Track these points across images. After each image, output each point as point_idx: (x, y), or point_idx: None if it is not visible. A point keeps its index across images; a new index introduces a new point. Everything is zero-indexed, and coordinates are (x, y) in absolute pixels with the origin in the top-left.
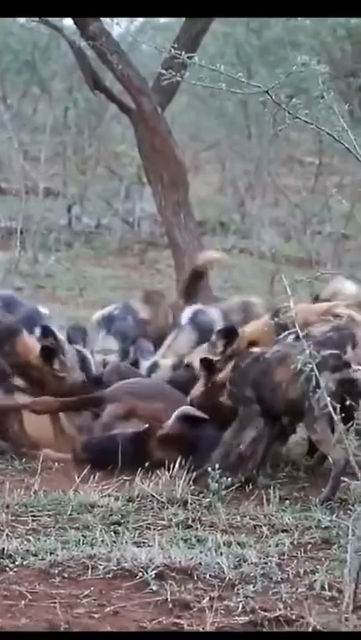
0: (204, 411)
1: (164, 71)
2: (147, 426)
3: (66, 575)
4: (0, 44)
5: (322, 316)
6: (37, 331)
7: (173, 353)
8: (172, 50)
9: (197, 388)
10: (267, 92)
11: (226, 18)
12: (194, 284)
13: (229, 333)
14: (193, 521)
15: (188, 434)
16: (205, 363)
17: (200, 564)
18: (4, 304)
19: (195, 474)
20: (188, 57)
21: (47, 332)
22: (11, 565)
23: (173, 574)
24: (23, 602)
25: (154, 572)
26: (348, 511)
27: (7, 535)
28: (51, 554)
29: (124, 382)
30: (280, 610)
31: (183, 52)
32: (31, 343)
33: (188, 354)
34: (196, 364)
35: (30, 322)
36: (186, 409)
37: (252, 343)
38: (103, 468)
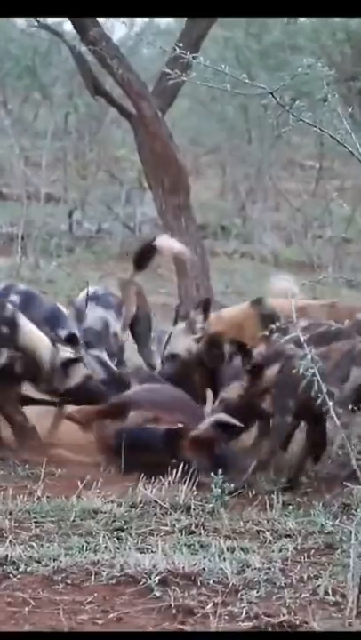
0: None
1: (168, 70)
2: (180, 425)
3: (69, 581)
4: (1, 49)
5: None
6: (62, 333)
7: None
8: (177, 49)
9: (234, 390)
10: (271, 93)
11: (224, 19)
12: (144, 257)
13: (206, 304)
14: (196, 527)
15: (219, 440)
16: (240, 347)
17: (203, 569)
18: (25, 299)
19: (234, 485)
20: (192, 57)
21: (73, 340)
22: (14, 572)
23: (177, 580)
24: (27, 608)
25: (157, 577)
26: (352, 516)
27: (10, 542)
28: (54, 560)
29: (146, 389)
30: (284, 615)
31: (188, 53)
32: None
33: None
34: (181, 350)
35: (52, 321)
36: (222, 416)
37: (237, 327)
38: (130, 458)
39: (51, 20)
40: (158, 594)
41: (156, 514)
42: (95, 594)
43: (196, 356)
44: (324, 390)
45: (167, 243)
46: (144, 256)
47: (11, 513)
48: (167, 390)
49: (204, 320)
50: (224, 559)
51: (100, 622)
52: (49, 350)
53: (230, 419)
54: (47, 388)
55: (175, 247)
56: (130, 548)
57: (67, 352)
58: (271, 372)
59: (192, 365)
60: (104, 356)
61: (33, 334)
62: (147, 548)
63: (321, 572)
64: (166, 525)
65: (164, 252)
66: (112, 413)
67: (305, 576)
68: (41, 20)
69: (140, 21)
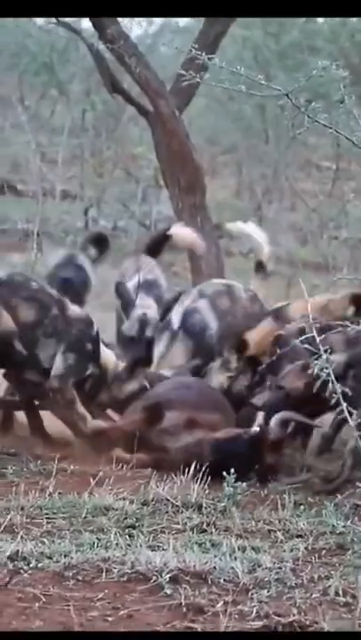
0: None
1: (183, 72)
2: (258, 429)
3: (80, 578)
4: (18, 45)
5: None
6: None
7: (169, 365)
8: (193, 50)
9: (295, 378)
10: (287, 95)
11: (243, 18)
12: (157, 245)
13: (239, 346)
14: (208, 525)
15: (287, 439)
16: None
17: (214, 568)
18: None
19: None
20: (208, 58)
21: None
22: (25, 568)
23: (188, 578)
24: (37, 604)
25: (168, 575)
26: None
27: (22, 537)
28: (65, 556)
29: (176, 385)
30: (294, 615)
31: (204, 53)
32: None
33: (183, 364)
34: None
35: None
36: (287, 414)
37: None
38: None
39: (69, 18)
40: (169, 592)
41: (167, 512)
42: (106, 590)
43: None
44: (339, 390)
45: (182, 231)
46: (157, 244)
47: (22, 509)
48: (196, 385)
49: (238, 360)
50: (235, 558)
51: (110, 619)
52: (114, 366)
53: (297, 415)
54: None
55: (189, 237)
56: (141, 546)
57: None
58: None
59: None
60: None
61: (106, 352)
62: (158, 546)
63: (332, 572)
64: (178, 523)
65: (177, 241)
66: (149, 420)
67: (316, 576)
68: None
69: (157, 20)
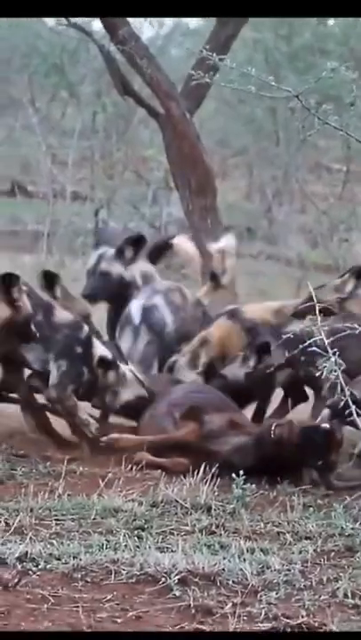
0: None
1: (193, 72)
2: (328, 425)
3: (89, 579)
4: (29, 47)
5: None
6: None
7: (134, 361)
8: (204, 51)
9: None
10: (297, 96)
11: (254, 19)
12: (158, 252)
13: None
14: (217, 527)
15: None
16: None
17: (223, 570)
18: None
19: None
20: (219, 59)
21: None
22: (34, 569)
23: (196, 580)
24: (46, 605)
25: (177, 577)
26: None
27: (31, 539)
28: (74, 558)
29: (193, 389)
30: (303, 617)
31: (215, 55)
32: None
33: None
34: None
35: None
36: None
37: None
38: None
39: (80, 19)
40: (178, 593)
41: (176, 513)
42: (114, 592)
43: None
44: (348, 393)
45: (184, 244)
46: (159, 251)
47: (31, 510)
48: (208, 388)
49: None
50: (244, 560)
51: (119, 621)
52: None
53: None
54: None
55: (190, 251)
56: (150, 547)
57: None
58: None
59: None
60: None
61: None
62: (167, 548)
63: (341, 574)
64: (187, 525)
65: (178, 252)
66: (196, 427)
67: (324, 578)
68: (70, 18)
69: (168, 21)
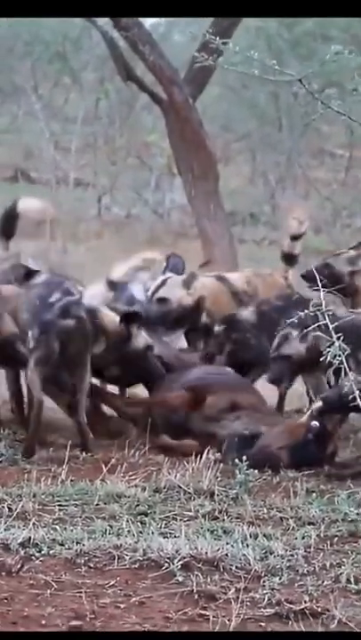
0: None
1: (197, 54)
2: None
3: (92, 565)
4: (32, 34)
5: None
6: None
7: None
8: (207, 35)
9: None
10: (300, 80)
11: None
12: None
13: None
14: (220, 512)
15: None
16: None
17: (226, 555)
18: None
19: None
20: (222, 42)
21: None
22: (37, 554)
23: (199, 565)
24: (49, 591)
25: (180, 562)
26: None
27: (34, 524)
28: (77, 543)
29: (209, 370)
30: (306, 602)
31: (218, 38)
32: None
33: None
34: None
35: None
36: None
37: None
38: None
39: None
40: (181, 579)
41: (179, 499)
42: (118, 578)
43: None
44: (352, 378)
45: (29, 205)
46: (8, 222)
47: (34, 496)
48: (225, 370)
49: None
50: (247, 545)
51: (122, 606)
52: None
53: None
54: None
55: (37, 209)
56: (153, 533)
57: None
58: None
59: None
60: None
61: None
62: (170, 533)
63: (344, 559)
64: (190, 511)
65: (27, 216)
66: (194, 403)
67: (328, 564)
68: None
69: None
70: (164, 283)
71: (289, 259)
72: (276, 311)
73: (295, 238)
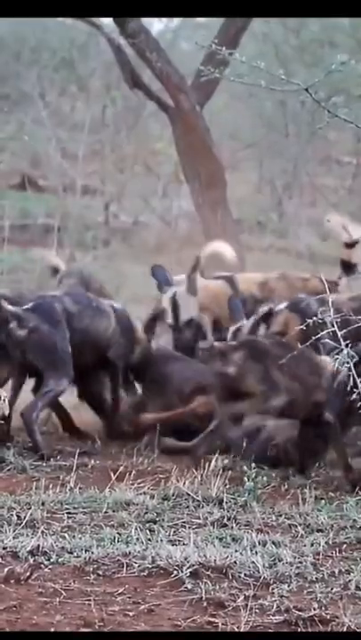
0: None
1: (203, 67)
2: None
3: (101, 573)
4: (38, 41)
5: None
6: None
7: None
8: (213, 45)
9: None
10: (306, 89)
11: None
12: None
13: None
14: (228, 520)
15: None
16: None
17: (235, 562)
18: None
19: None
20: (228, 53)
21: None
22: (46, 562)
23: (208, 573)
24: (58, 599)
25: (189, 570)
26: None
27: (42, 532)
28: (86, 551)
29: (203, 370)
30: (315, 609)
31: (224, 49)
32: None
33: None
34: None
35: None
36: None
37: None
38: None
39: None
40: (190, 586)
41: (188, 506)
42: (126, 585)
43: None
44: None
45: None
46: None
47: (43, 504)
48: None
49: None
50: (256, 552)
51: (130, 614)
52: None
53: None
54: None
55: None
56: (162, 540)
57: None
58: None
59: None
60: None
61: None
62: (178, 541)
63: (353, 566)
64: (198, 518)
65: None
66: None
67: (336, 571)
68: None
69: None
70: (175, 303)
71: (347, 267)
72: None
73: (350, 246)
